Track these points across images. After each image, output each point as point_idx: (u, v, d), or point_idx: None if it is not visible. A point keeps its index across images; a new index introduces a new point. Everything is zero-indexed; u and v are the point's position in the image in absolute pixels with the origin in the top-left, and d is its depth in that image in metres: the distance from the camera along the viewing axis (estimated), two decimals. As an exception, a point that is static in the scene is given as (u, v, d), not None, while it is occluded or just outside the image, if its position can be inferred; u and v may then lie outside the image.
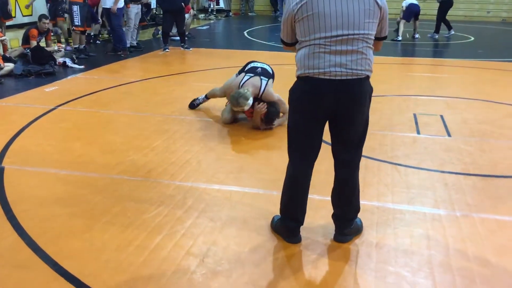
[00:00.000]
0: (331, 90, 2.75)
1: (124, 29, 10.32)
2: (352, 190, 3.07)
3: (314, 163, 3.03)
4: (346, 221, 3.09)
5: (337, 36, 2.69)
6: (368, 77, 2.81)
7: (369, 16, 2.72)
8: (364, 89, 2.81)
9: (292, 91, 2.92)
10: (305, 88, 2.82)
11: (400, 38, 12.81)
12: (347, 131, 2.91)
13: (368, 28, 2.73)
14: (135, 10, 10.43)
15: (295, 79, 2.90)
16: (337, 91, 2.75)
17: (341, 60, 2.71)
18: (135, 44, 10.71)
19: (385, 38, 2.94)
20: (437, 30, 13.58)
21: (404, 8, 13.11)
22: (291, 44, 2.96)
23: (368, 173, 4.08)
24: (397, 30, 13.15)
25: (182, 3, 10.35)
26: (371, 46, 2.79)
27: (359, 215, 3.18)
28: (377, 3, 2.73)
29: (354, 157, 3.01)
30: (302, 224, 3.10)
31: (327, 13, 2.68)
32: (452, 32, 13.53)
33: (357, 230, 3.18)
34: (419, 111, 6.06)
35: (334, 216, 3.13)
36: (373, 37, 2.78)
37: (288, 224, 3.09)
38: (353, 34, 2.69)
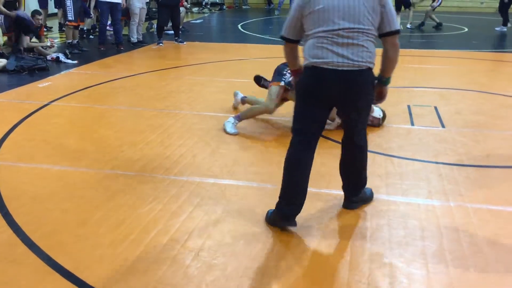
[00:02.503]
0: (335, 79, 2.93)
1: (131, 24, 10.43)
2: (360, 164, 3.31)
3: (315, 149, 3.14)
4: (354, 190, 3.37)
5: (339, 29, 2.88)
6: (370, 68, 2.96)
7: (370, 11, 2.88)
8: (366, 79, 2.98)
9: (299, 80, 3.11)
10: (311, 77, 3.00)
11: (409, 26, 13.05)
12: (354, 117, 3.11)
13: (369, 23, 2.89)
14: (139, 4, 10.40)
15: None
16: (340, 81, 2.93)
17: (343, 52, 2.88)
18: (141, 39, 10.70)
19: (396, 32, 3.00)
20: (505, 23, 13.57)
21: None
22: (293, 41, 3.12)
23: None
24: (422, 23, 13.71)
25: None
26: (373, 40, 2.94)
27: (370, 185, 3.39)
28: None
29: (362, 137, 3.22)
30: (299, 210, 3.11)
31: (331, 8, 2.88)
32: (505, 28, 13.49)
33: (366, 199, 3.45)
34: (413, 102, 6.06)
35: (343, 187, 3.39)
36: (374, 32, 2.93)
37: (284, 211, 3.11)
38: (354, 28, 2.87)
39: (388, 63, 3.07)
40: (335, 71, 2.90)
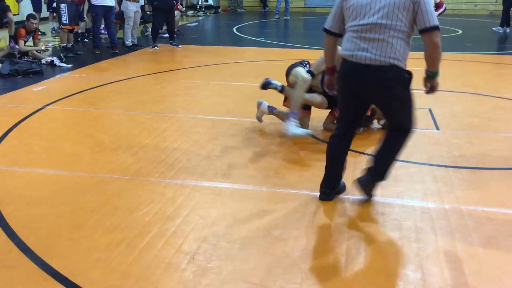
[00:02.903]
0: (356, 72, 3.13)
1: (125, 27, 10.45)
2: (391, 155, 3.37)
3: (351, 137, 3.44)
4: (372, 179, 3.42)
5: (367, 24, 3.05)
6: (393, 65, 3.06)
7: (399, 8, 3.00)
8: (387, 76, 3.08)
9: (339, 70, 3.35)
10: (342, 68, 3.24)
11: None
12: (382, 109, 3.42)
13: (398, 20, 3.00)
14: (133, 8, 10.40)
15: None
16: (360, 74, 3.12)
17: (367, 47, 3.05)
18: (136, 43, 10.69)
19: (433, 28, 3.03)
20: (502, 24, 13.55)
21: None
22: (333, 34, 3.30)
23: (357, 168, 4.09)
24: None
25: (174, 1, 10.36)
26: (401, 37, 3.04)
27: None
28: None
29: (400, 126, 3.31)
30: (334, 183, 3.51)
31: (364, 3, 3.06)
32: (501, 29, 13.46)
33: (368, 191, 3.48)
34: (408, 105, 6.07)
35: (365, 169, 3.47)
36: (404, 29, 3.02)
37: (323, 180, 3.51)
38: (382, 24, 3.01)
39: (427, 59, 3.14)
40: (358, 64, 3.08)
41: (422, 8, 2.99)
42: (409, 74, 3.17)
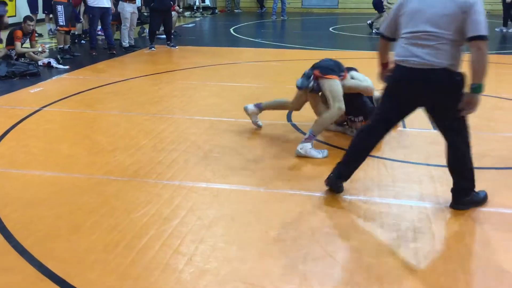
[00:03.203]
0: (407, 76, 3.22)
1: (122, 28, 10.45)
2: (460, 161, 3.37)
3: (380, 139, 3.53)
4: (460, 191, 3.40)
5: (417, 32, 3.15)
6: (444, 68, 3.10)
7: (450, 17, 3.06)
8: (441, 78, 3.12)
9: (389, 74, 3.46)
10: (394, 72, 3.35)
11: (373, 31, 13.07)
12: (432, 114, 3.36)
13: (447, 28, 3.08)
14: (130, 9, 10.40)
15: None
16: (411, 78, 3.20)
17: (418, 52, 3.14)
18: (133, 44, 10.69)
19: (477, 37, 3.05)
20: (505, 24, 13.62)
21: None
22: (386, 38, 3.44)
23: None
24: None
25: (171, 2, 10.37)
26: (450, 44, 3.09)
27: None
28: (457, 5, 3.04)
29: (453, 136, 3.33)
30: (345, 176, 3.57)
31: (416, 11, 3.17)
32: (504, 29, 13.49)
33: (477, 202, 3.45)
34: (405, 105, 6.07)
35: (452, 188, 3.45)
36: (452, 37, 3.08)
37: (338, 168, 3.55)
38: (432, 32, 3.10)
39: (471, 67, 3.12)
40: (411, 69, 3.17)
41: (471, 18, 3.03)
42: (461, 76, 3.16)
